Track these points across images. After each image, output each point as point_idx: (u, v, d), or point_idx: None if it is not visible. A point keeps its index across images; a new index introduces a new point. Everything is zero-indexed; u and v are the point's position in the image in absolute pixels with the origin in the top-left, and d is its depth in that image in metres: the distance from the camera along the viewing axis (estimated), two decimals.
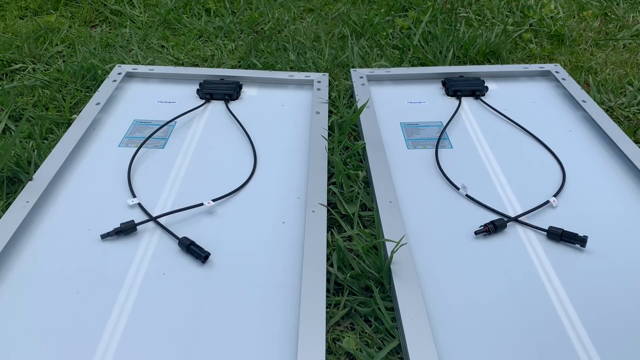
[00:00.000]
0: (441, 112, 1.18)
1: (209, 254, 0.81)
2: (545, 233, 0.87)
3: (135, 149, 1.04)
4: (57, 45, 1.49)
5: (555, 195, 0.94)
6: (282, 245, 0.85)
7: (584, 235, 0.84)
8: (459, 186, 0.96)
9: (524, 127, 1.13)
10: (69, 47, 1.49)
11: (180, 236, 0.84)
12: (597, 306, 0.76)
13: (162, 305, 0.74)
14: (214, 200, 0.91)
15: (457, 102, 1.23)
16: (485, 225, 0.87)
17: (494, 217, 0.90)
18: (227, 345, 0.69)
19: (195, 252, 0.81)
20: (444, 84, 1.28)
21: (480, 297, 0.77)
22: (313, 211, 0.88)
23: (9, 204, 0.90)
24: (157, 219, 0.87)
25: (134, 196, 0.93)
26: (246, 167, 1.02)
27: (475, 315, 0.74)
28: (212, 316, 0.73)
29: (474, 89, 1.24)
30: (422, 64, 1.43)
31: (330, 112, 1.22)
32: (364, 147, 1.05)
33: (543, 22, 1.65)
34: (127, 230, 0.84)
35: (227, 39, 1.56)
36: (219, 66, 1.42)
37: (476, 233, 0.86)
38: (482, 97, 1.24)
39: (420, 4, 1.76)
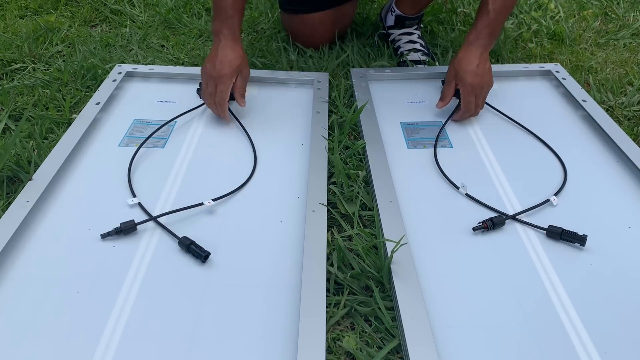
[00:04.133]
0: (441, 112, 1.18)
1: (209, 253, 0.81)
2: (545, 232, 0.87)
3: (136, 148, 1.04)
4: (57, 44, 1.49)
5: (555, 194, 0.94)
6: (282, 245, 0.85)
7: (584, 234, 0.84)
8: (459, 185, 0.96)
9: (525, 126, 1.13)
10: (69, 47, 1.49)
11: (180, 236, 0.84)
12: (596, 305, 0.76)
13: (162, 304, 0.74)
14: (214, 200, 0.92)
15: (457, 101, 1.22)
16: (483, 221, 0.87)
17: (494, 215, 0.90)
18: (227, 345, 0.69)
19: (195, 251, 0.81)
20: (444, 83, 1.27)
21: (480, 296, 0.77)
22: (313, 211, 0.88)
23: (9, 204, 0.90)
24: (157, 219, 0.87)
25: (134, 196, 0.93)
26: (246, 166, 1.02)
27: (475, 315, 0.74)
28: (212, 316, 0.73)
29: None
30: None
31: (330, 111, 1.21)
32: (364, 146, 1.05)
33: (543, 22, 1.64)
34: (127, 229, 0.84)
35: None
36: None
37: (474, 229, 0.87)
38: None
39: None
